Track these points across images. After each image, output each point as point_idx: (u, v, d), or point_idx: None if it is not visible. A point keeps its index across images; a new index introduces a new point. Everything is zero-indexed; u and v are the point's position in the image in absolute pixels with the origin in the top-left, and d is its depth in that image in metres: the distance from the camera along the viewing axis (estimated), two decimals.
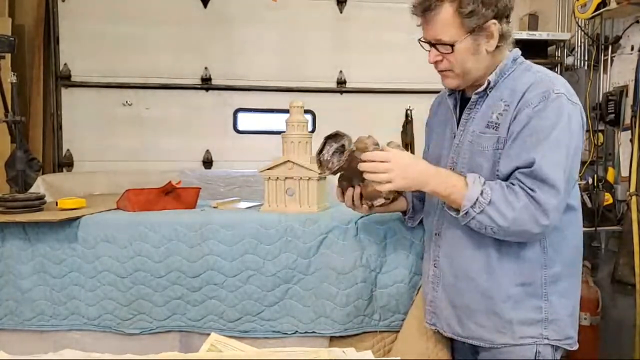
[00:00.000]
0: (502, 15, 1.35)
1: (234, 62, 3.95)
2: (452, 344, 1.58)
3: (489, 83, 1.39)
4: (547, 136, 1.28)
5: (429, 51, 1.40)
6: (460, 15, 1.32)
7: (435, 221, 1.51)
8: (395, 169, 1.34)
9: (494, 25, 1.34)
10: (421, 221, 1.68)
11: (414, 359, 1.54)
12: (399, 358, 1.57)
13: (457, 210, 1.34)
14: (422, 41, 1.41)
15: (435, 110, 1.63)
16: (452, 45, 1.35)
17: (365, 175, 1.38)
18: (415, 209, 1.67)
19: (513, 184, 1.30)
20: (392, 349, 1.72)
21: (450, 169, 1.43)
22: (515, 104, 1.33)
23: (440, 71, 1.43)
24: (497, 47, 1.38)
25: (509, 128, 1.33)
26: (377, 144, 1.47)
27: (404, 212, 1.69)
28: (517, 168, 1.30)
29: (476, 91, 1.42)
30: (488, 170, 1.36)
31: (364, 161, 1.38)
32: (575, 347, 1.44)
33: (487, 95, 1.41)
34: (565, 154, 1.29)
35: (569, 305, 1.42)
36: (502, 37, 1.37)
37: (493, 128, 1.36)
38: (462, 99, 1.49)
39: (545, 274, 1.38)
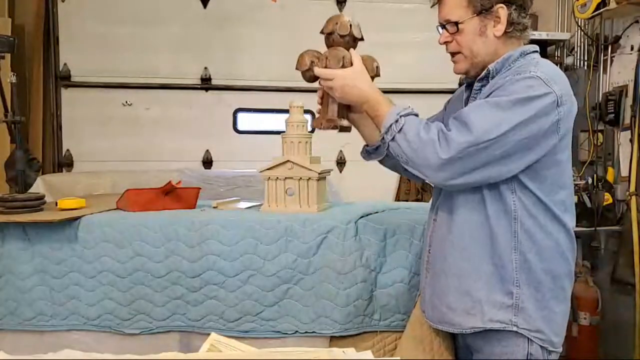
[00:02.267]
0: (513, 1, 1.37)
1: (234, 62, 3.95)
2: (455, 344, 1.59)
3: (488, 71, 1.40)
4: (495, 97, 1.29)
5: (441, 34, 1.45)
6: None
7: (434, 206, 1.54)
8: (336, 87, 1.49)
9: (501, 9, 1.37)
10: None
11: (417, 359, 1.55)
12: (398, 358, 1.58)
13: None
14: (437, 27, 1.47)
15: (450, 105, 1.65)
16: (457, 24, 1.39)
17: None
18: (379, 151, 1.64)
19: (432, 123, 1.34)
20: (396, 346, 1.72)
21: None
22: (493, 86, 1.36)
23: (451, 55, 1.47)
24: (507, 34, 1.39)
25: None
26: (342, 59, 1.56)
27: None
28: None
29: (478, 78, 1.44)
30: None
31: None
32: (553, 348, 1.40)
33: (485, 84, 1.42)
34: (505, 117, 1.25)
35: (541, 298, 1.38)
36: (512, 24, 1.38)
37: None
38: None
39: (516, 259, 1.36)
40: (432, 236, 1.53)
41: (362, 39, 1.62)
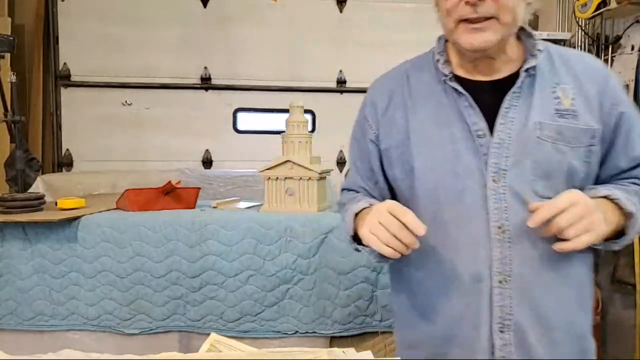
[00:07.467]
0: None
1: (233, 62, 3.94)
2: None
3: (537, 54, 1.04)
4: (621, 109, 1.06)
5: None
6: None
7: (484, 258, 1.02)
8: (586, 213, 0.94)
9: None
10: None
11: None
12: (398, 358, 1.57)
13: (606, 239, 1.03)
14: None
15: (414, 105, 1.17)
16: None
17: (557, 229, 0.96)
18: None
19: None
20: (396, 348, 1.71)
21: (493, 181, 1.01)
22: (598, 92, 1.05)
23: (475, 22, 1.01)
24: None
25: (602, 120, 1.05)
26: None
27: None
28: None
29: (526, 67, 1.04)
30: (582, 173, 1.04)
31: None
32: None
33: (533, 76, 1.05)
34: None
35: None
36: None
37: (572, 117, 1.03)
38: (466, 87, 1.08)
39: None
40: (511, 299, 1.03)
41: None
